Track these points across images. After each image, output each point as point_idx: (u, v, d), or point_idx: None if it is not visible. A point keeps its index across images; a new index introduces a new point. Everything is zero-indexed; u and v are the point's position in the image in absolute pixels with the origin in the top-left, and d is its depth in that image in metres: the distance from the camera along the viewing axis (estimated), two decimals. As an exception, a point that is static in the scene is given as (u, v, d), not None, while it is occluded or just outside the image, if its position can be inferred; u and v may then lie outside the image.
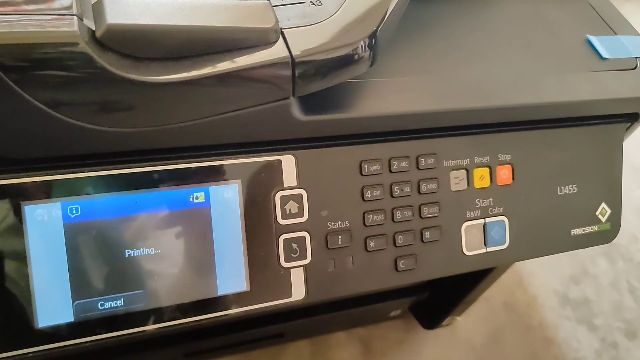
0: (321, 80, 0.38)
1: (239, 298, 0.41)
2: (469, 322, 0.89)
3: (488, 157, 0.48)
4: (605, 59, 0.54)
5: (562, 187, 0.52)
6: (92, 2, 0.34)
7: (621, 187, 0.55)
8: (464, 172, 0.48)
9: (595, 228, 0.54)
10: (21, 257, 0.35)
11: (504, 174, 0.49)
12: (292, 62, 0.36)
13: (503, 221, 0.49)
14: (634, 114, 0.54)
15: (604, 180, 0.54)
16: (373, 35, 0.38)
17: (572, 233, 0.53)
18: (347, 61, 0.38)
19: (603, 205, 0.54)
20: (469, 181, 0.48)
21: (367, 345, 0.83)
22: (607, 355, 0.91)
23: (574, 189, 0.52)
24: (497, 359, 0.86)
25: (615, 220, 0.55)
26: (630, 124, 0.55)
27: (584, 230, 0.53)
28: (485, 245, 0.49)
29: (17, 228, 0.35)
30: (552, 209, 0.51)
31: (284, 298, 0.42)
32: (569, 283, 0.99)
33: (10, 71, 0.30)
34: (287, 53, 0.36)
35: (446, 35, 0.51)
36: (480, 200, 0.48)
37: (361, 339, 0.83)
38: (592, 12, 0.60)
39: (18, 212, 0.35)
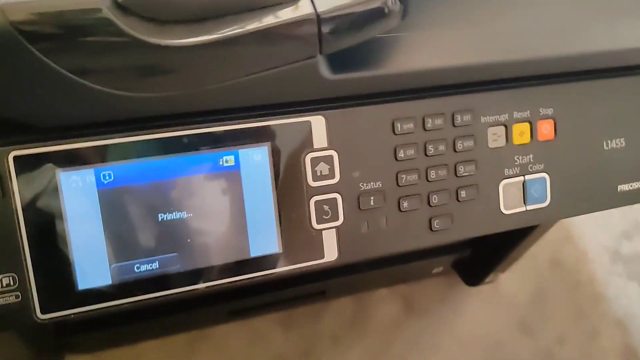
0: (349, 37, 0.37)
1: (271, 260, 0.41)
2: (513, 279, 0.87)
3: (528, 111, 0.46)
4: (660, 2, 0.50)
5: (609, 141, 0.49)
6: (114, -33, 0.34)
7: (675, 140, 0.52)
8: (503, 128, 0.46)
9: (644, 183, 0.51)
10: (59, 223, 0.36)
11: (546, 129, 0.47)
12: (318, 19, 0.35)
13: (544, 178, 0.47)
14: (690, 61, 0.51)
15: (656, 133, 0.51)
16: (402, -12, 0.37)
17: (619, 189, 0.50)
18: (375, 16, 0.36)
19: (654, 158, 0.51)
20: (508, 137, 0.46)
21: (409, 302, 0.83)
22: (660, 312, 0.88)
23: (622, 143, 0.50)
24: (542, 316, 0.85)
25: (668, 174, 0.52)
26: (686, 71, 0.51)
27: (632, 186, 0.51)
28: (524, 203, 0.47)
29: (54, 195, 0.36)
30: (597, 165, 0.49)
31: (317, 259, 0.42)
32: (620, 238, 0.95)
33: (36, 40, 0.30)
34: (312, 9, 0.35)
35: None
36: (520, 157, 0.47)
37: (403, 295, 0.83)
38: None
39: (54, 179, 0.36)
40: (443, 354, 0.79)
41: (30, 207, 0.35)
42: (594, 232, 0.95)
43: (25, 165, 0.35)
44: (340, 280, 0.72)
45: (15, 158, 0.35)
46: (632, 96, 0.49)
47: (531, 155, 0.47)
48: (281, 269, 0.41)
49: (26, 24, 0.30)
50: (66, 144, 0.36)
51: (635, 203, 0.52)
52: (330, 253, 0.42)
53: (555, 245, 0.93)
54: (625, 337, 0.85)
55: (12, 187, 0.35)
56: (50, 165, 0.35)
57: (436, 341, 0.80)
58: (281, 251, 0.41)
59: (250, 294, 0.69)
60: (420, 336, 0.80)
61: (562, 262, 0.91)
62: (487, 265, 0.77)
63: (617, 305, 0.88)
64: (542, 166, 0.47)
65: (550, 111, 0.47)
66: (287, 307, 0.77)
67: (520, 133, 0.46)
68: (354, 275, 0.73)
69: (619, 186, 0.50)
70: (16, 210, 0.35)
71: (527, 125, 0.46)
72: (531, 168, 0.47)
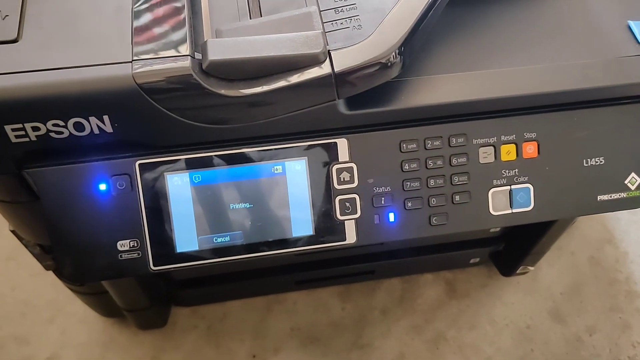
0: (359, 86, 0.52)
1: (307, 239, 0.58)
2: (552, 273, 0.98)
3: (514, 135, 0.59)
4: (643, 43, 0.60)
5: (589, 160, 0.60)
6: (204, 40, 0.51)
7: (655, 159, 0.61)
8: (492, 148, 0.59)
9: (623, 195, 0.61)
10: (166, 208, 0.55)
11: (530, 149, 0.59)
12: (334, 76, 0.51)
13: (528, 188, 0.60)
14: (668, 94, 0.60)
15: (635, 153, 0.61)
16: (398, 51, 0.51)
17: (598, 198, 0.61)
18: (376, 72, 0.51)
19: (633, 175, 0.61)
20: (496, 155, 0.59)
21: (452, 286, 0.96)
22: (696, 313, 0.94)
23: (601, 161, 0.60)
24: (575, 308, 0.94)
25: (646, 188, 0.62)
26: (665, 102, 0.61)
27: (611, 196, 0.61)
28: (510, 207, 0.60)
29: (163, 189, 0.55)
30: (577, 178, 0.60)
31: (340, 241, 0.58)
32: (665, 243, 1.01)
33: (153, 95, 0.49)
34: (330, 70, 0.50)
35: (483, 31, 0.61)
36: (507, 171, 0.59)
37: (447, 280, 0.97)
38: (642, -4, 0.64)
39: (163, 179, 0.55)
40: (477, 332, 0.91)
41: (148, 197, 0.54)
42: (638, 236, 1.02)
43: (146, 169, 0.54)
44: (386, 262, 0.88)
45: (140, 164, 0.54)
46: (612, 122, 0.60)
47: (517, 170, 0.59)
48: (314, 246, 0.58)
49: (147, 85, 0.48)
50: (172, 156, 0.54)
51: (615, 211, 0.62)
52: (350, 237, 0.58)
53: (596, 245, 1.01)
54: (657, 332, 0.92)
55: (137, 183, 0.54)
56: (161, 169, 0.54)
57: (473, 321, 0.93)
58: (314, 234, 0.58)
59: (312, 268, 0.86)
60: (459, 316, 0.93)
61: (602, 260, 1.00)
62: (517, 257, 0.88)
63: (652, 303, 0.95)
64: (526, 178, 0.60)
65: (534, 135, 0.59)
66: (343, 282, 0.93)
67: (507, 152, 0.59)
68: (398, 260, 0.88)
69: (598, 196, 0.61)
70: (139, 199, 0.54)
71: (513, 146, 0.59)
72: (517, 180, 0.60)
